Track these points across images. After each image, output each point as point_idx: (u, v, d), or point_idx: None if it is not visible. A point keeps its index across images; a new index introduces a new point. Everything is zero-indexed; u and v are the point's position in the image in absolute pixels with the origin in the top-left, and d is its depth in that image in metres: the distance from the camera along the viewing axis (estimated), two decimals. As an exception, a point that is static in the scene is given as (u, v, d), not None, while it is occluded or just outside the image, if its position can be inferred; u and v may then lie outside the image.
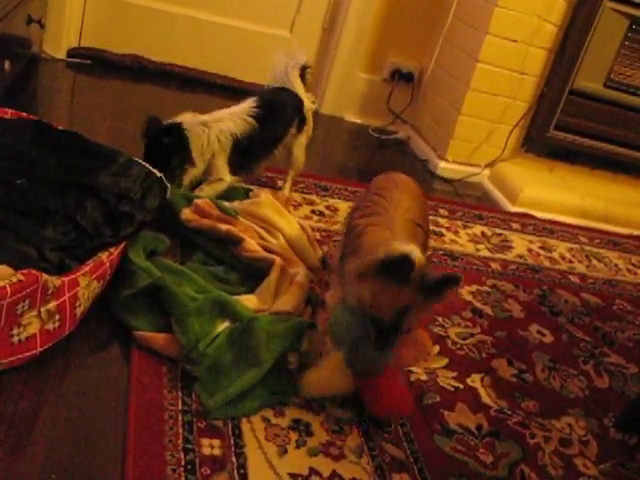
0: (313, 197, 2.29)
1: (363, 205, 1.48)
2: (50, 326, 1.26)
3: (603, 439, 1.53)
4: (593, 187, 3.05)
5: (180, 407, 1.25)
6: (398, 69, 3.25)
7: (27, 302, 1.19)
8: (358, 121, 3.30)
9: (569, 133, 3.01)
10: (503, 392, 1.59)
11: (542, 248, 2.47)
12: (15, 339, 1.20)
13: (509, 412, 1.53)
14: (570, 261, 2.43)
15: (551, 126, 2.97)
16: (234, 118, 1.96)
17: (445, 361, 1.64)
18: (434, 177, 2.93)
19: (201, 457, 1.16)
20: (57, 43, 2.90)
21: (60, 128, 1.76)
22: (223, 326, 1.42)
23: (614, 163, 3.18)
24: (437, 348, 1.67)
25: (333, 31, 3.19)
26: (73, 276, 1.30)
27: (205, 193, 1.91)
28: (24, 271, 1.19)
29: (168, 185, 1.71)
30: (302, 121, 2.14)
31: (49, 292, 1.24)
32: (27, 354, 1.23)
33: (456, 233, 2.37)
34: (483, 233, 2.43)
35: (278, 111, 2.06)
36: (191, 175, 1.92)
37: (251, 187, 2.08)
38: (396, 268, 1.21)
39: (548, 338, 1.88)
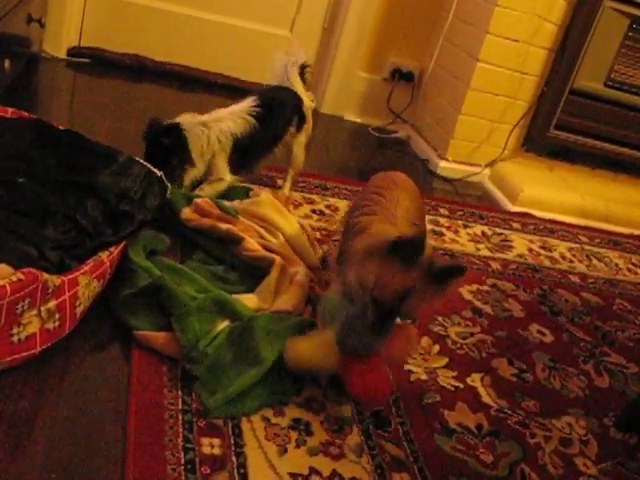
0: (313, 196, 2.29)
1: (362, 204, 1.48)
2: (50, 325, 1.26)
3: (603, 439, 1.53)
4: (593, 187, 3.05)
5: (180, 406, 1.25)
6: (398, 68, 3.25)
7: (27, 301, 1.19)
8: (358, 120, 3.30)
9: (569, 133, 3.01)
10: (503, 391, 1.59)
11: (542, 248, 2.47)
12: (15, 338, 1.20)
13: (509, 412, 1.53)
14: (570, 261, 2.43)
15: (551, 126, 2.97)
16: (234, 118, 1.96)
17: (445, 360, 1.63)
18: (434, 176, 2.93)
19: (201, 456, 1.16)
20: (57, 42, 2.90)
21: (60, 127, 1.76)
22: (223, 325, 1.42)
23: (614, 163, 3.18)
24: (437, 347, 1.67)
25: (333, 31, 3.19)
26: (73, 275, 1.30)
27: (205, 193, 1.91)
28: (24, 270, 1.19)
29: (168, 184, 1.71)
30: (302, 120, 2.14)
31: (49, 291, 1.24)
32: (27, 353, 1.23)
33: (456, 232, 2.37)
34: (483, 232, 2.43)
35: (277, 110, 2.06)
36: (191, 175, 1.92)
37: (251, 186, 2.08)
38: (407, 249, 1.21)
39: (548, 338, 1.88)
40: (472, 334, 1.78)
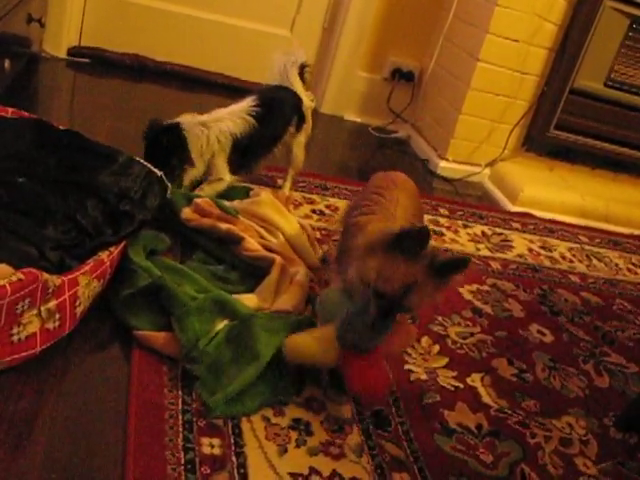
0: (313, 196, 2.29)
1: (362, 204, 1.48)
2: (50, 325, 1.26)
3: (603, 438, 1.53)
4: (593, 186, 3.05)
5: (180, 406, 1.25)
6: (398, 68, 3.25)
7: (27, 301, 1.19)
8: (358, 120, 3.30)
9: (569, 132, 3.01)
10: (503, 391, 1.59)
11: (542, 247, 2.47)
12: (15, 338, 1.20)
13: (509, 411, 1.53)
14: (570, 261, 2.43)
15: (551, 125, 2.97)
16: (233, 118, 1.96)
17: (445, 360, 1.63)
18: (434, 176, 2.93)
19: (201, 456, 1.16)
20: (57, 42, 2.90)
21: (60, 127, 1.76)
22: (222, 325, 1.42)
23: (615, 162, 3.18)
24: (437, 347, 1.67)
25: (333, 30, 3.19)
26: (73, 275, 1.30)
27: (205, 193, 1.91)
28: (24, 270, 1.19)
29: (168, 184, 1.71)
30: (301, 119, 2.14)
31: (49, 291, 1.24)
32: (27, 353, 1.23)
33: (456, 232, 2.37)
34: (483, 232, 2.43)
35: (277, 110, 2.06)
36: (191, 175, 1.92)
37: (251, 186, 2.07)
38: (411, 241, 1.21)
39: (548, 337, 1.88)
40: (472, 334, 1.78)
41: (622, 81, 2.96)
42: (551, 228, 2.68)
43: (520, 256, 2.34)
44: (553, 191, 2.89)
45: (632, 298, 2.26)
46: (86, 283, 1.33)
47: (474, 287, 2.02)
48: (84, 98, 2.75)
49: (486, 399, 1.54)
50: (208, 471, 1.14)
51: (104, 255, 1.40)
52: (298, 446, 1.25)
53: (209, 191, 1.93)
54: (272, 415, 1.30)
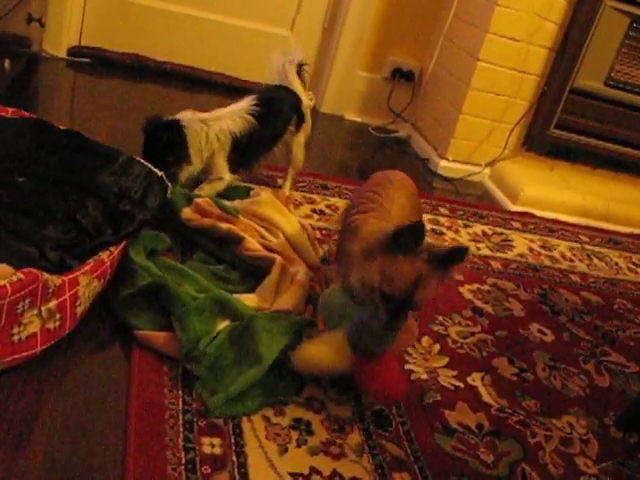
0: (314, 196, 2.29)
1: (358, 202, 1.48)
2: (50, 325, 1.26)
3: (604, 438, 1.53)
4: (594, 186, 3.04)
5: (181, 406, 1.25)
6: (398, 68, 3.25)
7: (27, 301, 1.19)
8: (358, 120, 3.30)
9: (570, 132, 3.01)
10: (504, 391, 1.59)
11: (543, 247, 2.47)
12: (15, 338, 1.20)
13: (510, 411, 1.53)
14: (571, 260, 2.43)
15: (552, 125, 2.97)
16: (233, 117, 1.96)
17: (446, 360, 1.63)
18: (435, 176, 2.93)
19: (202, 456, 1.16)
20: (57, 42, 2.90)
21: (61, 127, 1.76)
22: (223, 325, 1.42)
23: (615, 162, 3.18)
24: (437, 347, 1.67)
25: (333, 30, 3.19)
26: (73, 275, 1.30)
27: (205, 192, 1.91)
28: (24, 270, 1.19)
29: (169, 184, 1.71)
30: (300, 119, 2.14)
31: (50, 291, 1.24)
32: (27, 353, 1.23)
33: (457, 232, 2.36)
34: (484, 232, 2.43)
35: (277, 109, 2.06)
36: (187, 172, 1.91)
37: (252, 186, 2.08)
38: (407, 238, 1.21)
39: (549, 337, 1.87)
40: (472, 333, 1.78)
41: (622, 80, 2.96)
42: (551, 227, 2.68)
43: (521, 255, 2.34)
44: (553, 191, 2.89)
45: (633, 297, 2.26)
46: (86, 283, 1.33)
47: (474, 286, 2.02)
48: (84, 98, 2.75)
49: (487, 398, 1.54)
50: (209, 471, 1.14)
51: (104, 255, 1.40)
52: (299, 446, 1.25)
53: (209, 190, 1.93)
54: (272, 415, 1.30)
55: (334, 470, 1.22)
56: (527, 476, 1.35)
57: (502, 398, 1.56)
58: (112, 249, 1.43)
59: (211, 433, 1.22)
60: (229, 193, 1.98)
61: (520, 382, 1.64)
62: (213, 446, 1.19)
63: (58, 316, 1.27)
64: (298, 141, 2.16)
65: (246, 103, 2.02)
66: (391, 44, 3.22)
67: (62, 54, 2.93)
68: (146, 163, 1.70)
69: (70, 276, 1.29)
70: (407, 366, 1.55)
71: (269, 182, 2.24)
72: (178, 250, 1.72)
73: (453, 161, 2.95)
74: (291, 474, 1.19)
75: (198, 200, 1.78)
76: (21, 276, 1.17)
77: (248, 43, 3.13)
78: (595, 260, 2.49)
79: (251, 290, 1.59)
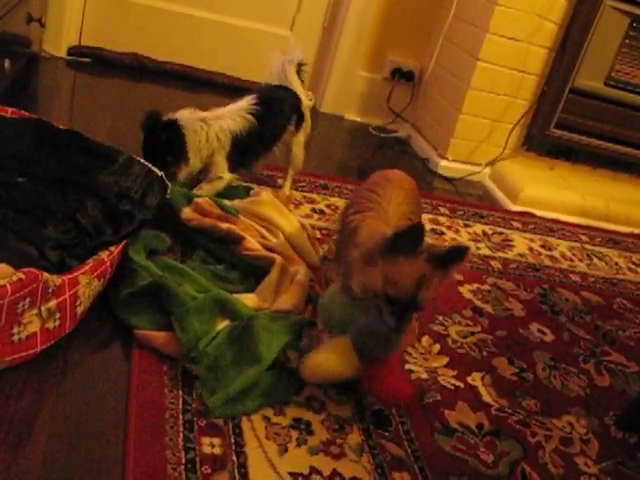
0: (314, 196, 2.29)
1: (356, 202, 1.49)
2: (50, 325, 1.26)
3: (604, 438, 1.53)
4: (594, 186, 3.04)
5: (181, 406, 1.25)
6: (398, 68, 3.25)
7: (27, 301, 1.19)
8: (358, 120, 3.30)
9: (570, 132, 3.01)
10: (504, 391, 1.59)
11: (543, 247, 2.47)
12: (15, 338, 1.20)
13: (510, 411, 1.53)
14: (571, 260, 2.43)
15: (552, 125, 2.97)
16: (233, 116, 1.96)
17: (446, 360, 1.63)
18: (435, 176, 2.93)
19: (202, 456, 1.16)
20: (57, 42, 2.90)
21: (61, 127, 1.76)
22: (223, 324, 1.42)
23: (615, 162, 3.18)
24: (437, 347, 1.67)
25: (333, 30, 3.19)
26: (73, 275, 1.30)
27: (204, 191, 1.91)
28: (24, 270, 1.19)
29: (168, 184, 1.71)
30: (300, 118, 2.14)
31: (49, 291, 1.24)
32: (27, 353, 1.23)
33: (457, 232, 2.36)
34: (484, 232, 2.43)
35: (276, 108, 2.06)
36: (186, 172, 1.91)
37: (252, 186, 2.07)
38: (407, 239, 1.21)
39: (549, 337, 1.87)
40: (472, 333, 1.78)
41: (622, 80, 2.96)
42: (551, 227, 2.68)
43: (521, 255, 2.34)
44: (553, 190, 2.89)
45: (632, 297, 2.26)
46: (86, 283, 1.33)
47: (474, 286, 2.02)
48: (84, 98, 2.75)
49: (486, 398, 1.54)
50: (209, 471, 1.14)
51: (104, 255, 1.40)
52: (298, 445, 1.25)
53: (208, 189, 1.93)
54: (272, 415, 1.30)
55: (334, 470, 1.22)
56: (527, 476, 1.35)
57: (502, 398, 1.56)
58: (112, 249, 1.43)
59: (211, 433, 1.22)
60: (229, 193, 1.98)
61: (520, 382, 1.64)
62: (213, 446, 1.19)
63: (58, 316, 1.27)
64: (298, 141, 2.16)
65: (246, 102, 2.02)
66: (391, 44, 3.22)
67: (62, 54, 2.93)
68: (146, 163, 1.70)
69: (70, 276, 1.29)
70: (407, 366, 1.55)
71: (269, 182, 2.24)
72: (178, 250, 1.72)
73: (453, 161, 2.95)
74: (291, 474, 1.19)
75: (198, 200, 1.78)
76: (21, 276, 1.17)
77: (248, 43, 3.13)
78: (595, 260, 2.49)
79: (251, 290, 1.59)
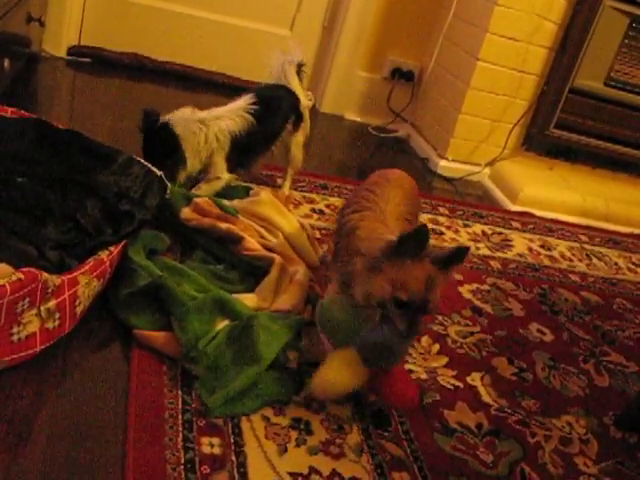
0: (313, 195, 2.29)
1: (354, 201, 1.48)
2: (50, 325, 1.26)
3: (603, 438, 1.53)
4: (593, 186, 3.04)
5: (180, 406, 1.25)
6: (398, 68, 3.25)
7: (27, 301, 1.19)
8: (358, 119, 3.30)
9: (569, 132, 3.01)
10: (503, 391, 1.59)
11: (542, 247, 2.47)
12: (15, 338, 1.20)
13: (509, 411, 1.53)
14: (570, 260, 2.43)
15: (551, 125, 2.97)
16: (232, 116, 1.96)
17: (445, 360, 1.63)
18: (434, 176, 2.93)
19: (201, 456, 1.16)
20: (57, 41, 2.90)
21: (61, 127, 1.76)
22: (222, 324, 1.42)
23: (614, 162, 3.18)
24: (437, 347, 1.67)
25: (333, 29, 3.19)
26: (73, 275, 1.30)
27: (203, 191, 1.91)
28: (24, 270, 1.19)
29: (168, 184, 1.71)
30: (299, 118, 2.14)
31: (49, 291, 1.24)
32: (27, 353, 1.23)
33: (456, 232, 2.37)
34: (483, 232, 2.43)
35: (275, 108, 2.05)
36: (185, 173, 1.91)
37: (251, 186, 2.07)
38: (412, 243, 1.20)
39: (548, 337, 1.88)
40: (472, 333, 1.78)
41: (622, 80, 2.96)
42: (551, 227, 2.68)
43: (520, 255, 2.34)
44: (553, 190, 2.89)
45: (632, 297, 2.26)
46: (86, 282, 1.33)
47: (474, 286, 2.02)
48: (84, 97, 2.75)
49: (486, 398, 1.54)
50: (208, 470, 1.14)
51: (104, 254, 1.40)
52: (298, 445, 1.25)
53: (206, 190, 1.93)
54: (272, 414, 1.30)
55: (333, 470, 1.22)
56: (527, 476, 1.35)
57: (501, 398, 1.56)
58: (112, 249, 1.43)
59: (210, 433, 1.22)
60: (229, 193, 1.98)
61: (519, 382, 1.64)
62: (212, 446, 1.19)
63: (57, 316, 1.27)
64: (297, 141, 2.16)
65: (244, 102, 2.01)
66: (391, 44, 3.22)
67: (62, 54, 2.93)
68: (145, 163, 1.70)
69: (69, 276, 1.29)
70: (407, 366, 1.55)
71: (268, 182, 2.24)
72: (178, 250, 1.72)
73: (453, 161, 2.95)
74: (290, 474, 1.19)
75: (197, 200, 1.78)
76: (20, 276, 1.17)
77: (248, 43, 3.13)
78: (595, 260, 2.49)
79: (250, 290, 1.59)
